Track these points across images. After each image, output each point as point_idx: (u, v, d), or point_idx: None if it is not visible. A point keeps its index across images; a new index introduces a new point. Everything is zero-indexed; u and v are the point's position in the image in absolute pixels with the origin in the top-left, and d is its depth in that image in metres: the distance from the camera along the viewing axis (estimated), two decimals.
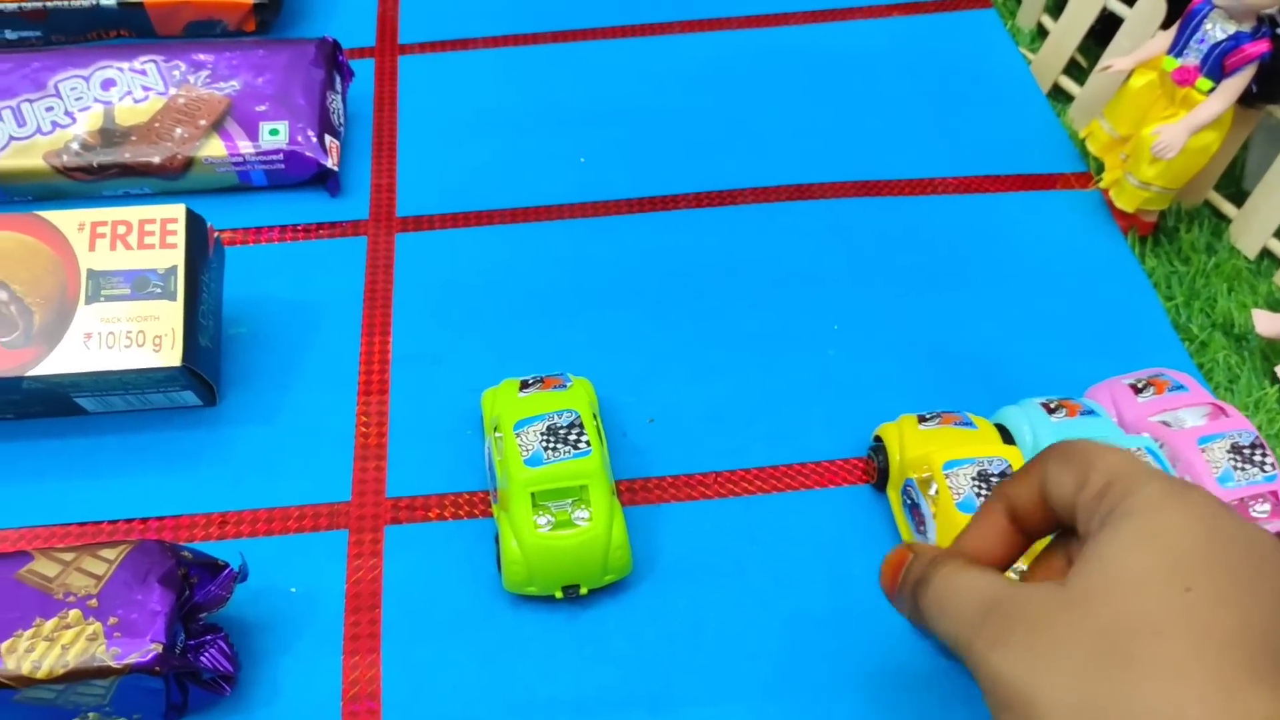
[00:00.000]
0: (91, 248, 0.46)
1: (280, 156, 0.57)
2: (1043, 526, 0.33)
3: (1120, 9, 0.62)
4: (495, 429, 0.44)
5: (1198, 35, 0.53)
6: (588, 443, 0.42)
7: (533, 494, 0.41)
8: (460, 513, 0.46)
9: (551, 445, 0.42)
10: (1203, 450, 0.44)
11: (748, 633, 0.43)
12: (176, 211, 0.46)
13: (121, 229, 0.46)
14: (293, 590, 0.44)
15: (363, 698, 0.41)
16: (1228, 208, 0.59)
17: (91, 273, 0.45)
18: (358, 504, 0.46)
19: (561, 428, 0.42)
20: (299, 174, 0.57)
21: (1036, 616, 0.28)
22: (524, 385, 0.45)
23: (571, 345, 0.52)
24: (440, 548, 0.45)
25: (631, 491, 0.47)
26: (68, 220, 0.46)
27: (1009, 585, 0.30)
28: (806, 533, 0.46)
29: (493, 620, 0.43)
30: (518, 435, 0.42)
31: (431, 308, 0.53)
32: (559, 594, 0.43)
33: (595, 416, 0.44)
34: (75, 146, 0.56)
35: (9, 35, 0.65)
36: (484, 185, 0.59)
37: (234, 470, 0.47)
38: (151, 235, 0.46)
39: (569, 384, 0.45)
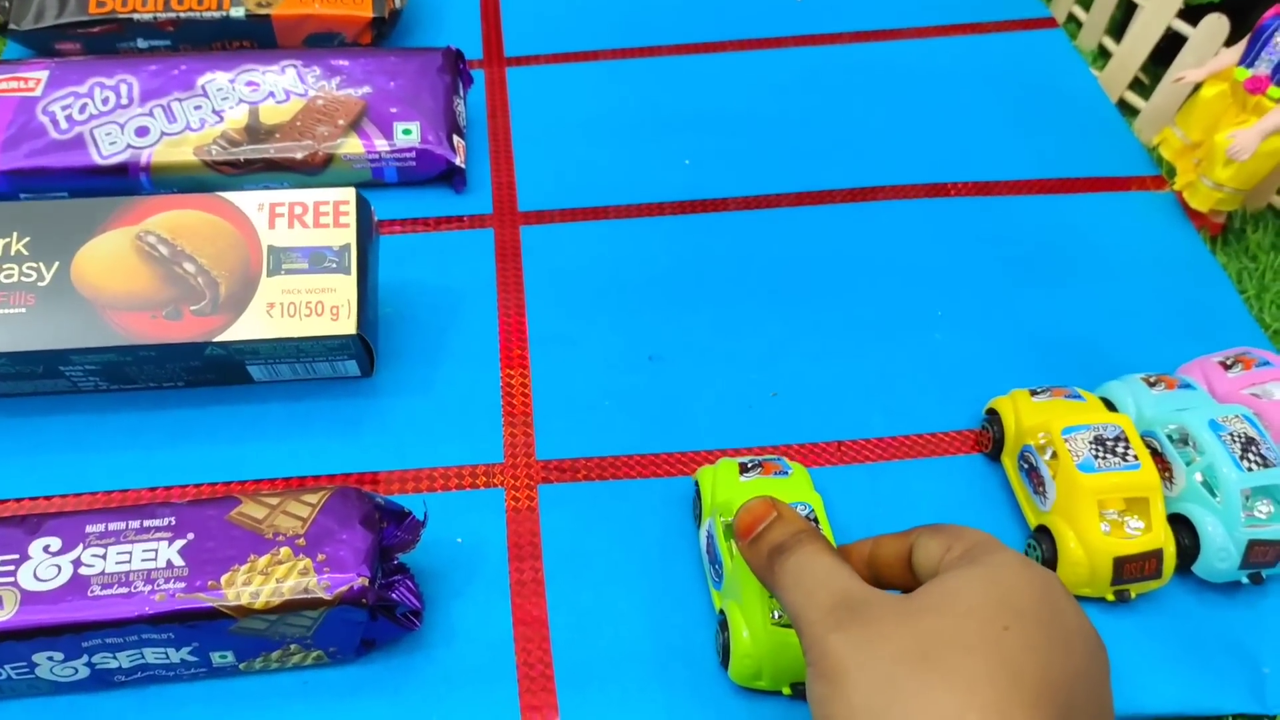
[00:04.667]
0: (271, 225, 0.49)
1: (412, 154, 0.61)
2: (895, 581, 0.37)
3: (1184, 28, 0.67)
4: (721, 514, 0.44)
5: (1269, 47, 0.58)
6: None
7: None
8: (605, 474, 0.50)
9: None
10: None
11: None
12: (347, 194, 0.50)
13: (298, 209, 0.50)
14: (459, 541, 0.47)
15: (533, 636, 0.44)
16: None
17: (272, 248, 0.49)
18: (510, 465, 0.50)
19: None
20: (429, 171, 0.61)
21: (875, 614, 0.32)
22: (744, 469, 0.45)
23: (693, 327, 0.56)
24: (591, 504, 0.49)
25: None
26: (247, 200, 0.50)
27: (862, 586, 0.34)
28: (927, 497, 0.50)
29: (648, 570, 0.47)
30: None
31: (560, 294, 0.57)
32: (787, 690, 0.42)
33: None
34: (223, 142, 0.60)
35: (141, 44, 0.69)
36: (597, 184, 0.63)
37: (393, 435, 0.51)
38: (326, 215, 0.50)
39: (789, 471, 0.45)
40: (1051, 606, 0.32)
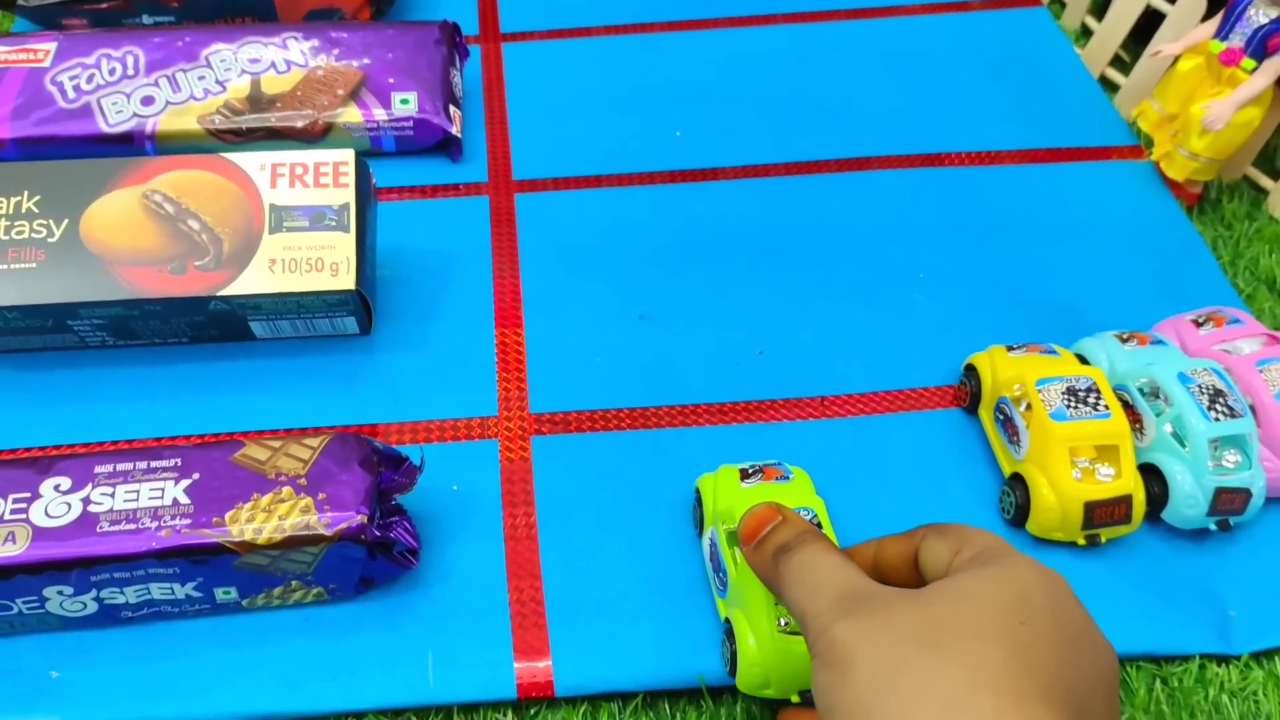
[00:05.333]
0: (273, 185, 0.51)
1: (410, 123, 0.62)
2: (900, 583, 0.37)
3: (1163, 6, 0.69)
4: (723, 522, 0.44)
5: (1242, 20, 0.59)
6: None
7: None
8: (596, 426, 0.52)
9: None
10: (1261, 371, 0.50)
11: (860, 537, 0.48)
12: (347, 155, 0.52)
13: (299, 169, 0.51)
14: (454, 488, 0.49)
15: (525, 575, 0.46)
16: (1265, 181, 0.66)
17: (274, 207, 0.51)
18: (504, 417, 0.52)
19: None
20: (426, 140, 0.63)
21: (884, 604, 0.32)
22: (745, 475, 0.45)
23: (683, 289, 0.58)
24: (582, 455, 0.51)
25: (747, 412, 0.53)
26: (250, 161, 0.52)
27: (869, 581, 0.34)
28: (907, 449, 0.52)
29: (635, 515, 0.48)
30: None
31: (553, 257, 0.59)
32: (795, 698, 0.41)
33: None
34: (226, 111, 0.61)
35: (145, 20, 0.70)
36: (591, 154, 0.65)
37: (390, 389, 0.53)
38: (326, 175, 0.51)
39: (790, 475, 0.45)
40: (1066, 609, 0.32)
